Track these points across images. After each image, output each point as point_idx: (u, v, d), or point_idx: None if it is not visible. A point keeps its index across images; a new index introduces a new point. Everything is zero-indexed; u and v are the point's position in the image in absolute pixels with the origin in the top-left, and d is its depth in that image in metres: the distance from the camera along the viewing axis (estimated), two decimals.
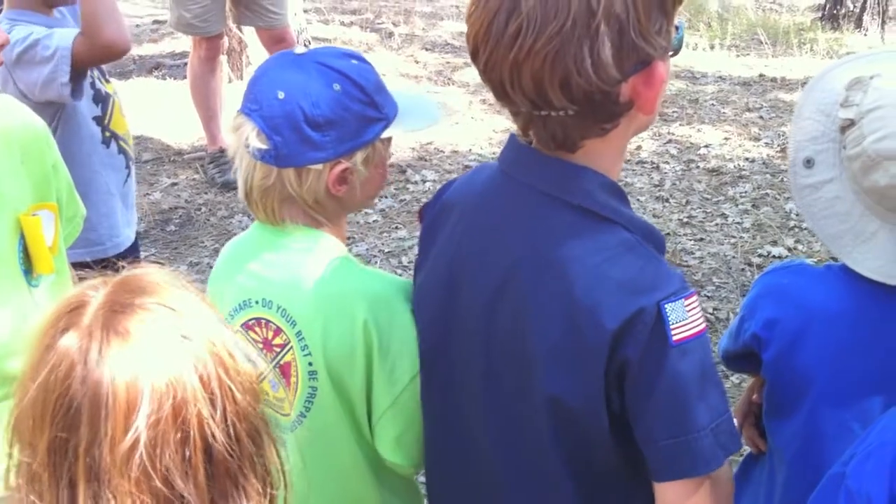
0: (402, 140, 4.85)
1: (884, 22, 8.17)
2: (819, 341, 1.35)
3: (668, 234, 4.00)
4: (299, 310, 1.39)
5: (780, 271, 1.50)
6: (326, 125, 1.35)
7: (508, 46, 1.04)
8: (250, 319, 1.43)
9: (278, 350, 1.41)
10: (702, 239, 3.97)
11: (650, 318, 1.08)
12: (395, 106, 1.46)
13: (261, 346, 1.41)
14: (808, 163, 1.32)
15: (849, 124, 1.26)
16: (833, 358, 1.35)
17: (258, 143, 1.35)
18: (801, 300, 1.39)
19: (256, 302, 1.42)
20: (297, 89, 1.35)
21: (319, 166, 1.37)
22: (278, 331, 1.41)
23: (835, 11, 8.09)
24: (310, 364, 1.39)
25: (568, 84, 1.03)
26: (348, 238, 3.93)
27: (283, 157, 1.36)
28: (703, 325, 1.12)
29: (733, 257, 3.79)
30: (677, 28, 1.11)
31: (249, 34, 5.31)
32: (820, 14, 8.50)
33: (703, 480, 1.13)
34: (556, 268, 1.13)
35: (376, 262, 3.74)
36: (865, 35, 7.91)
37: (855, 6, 8.05)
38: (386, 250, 3.81)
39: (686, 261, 3.77)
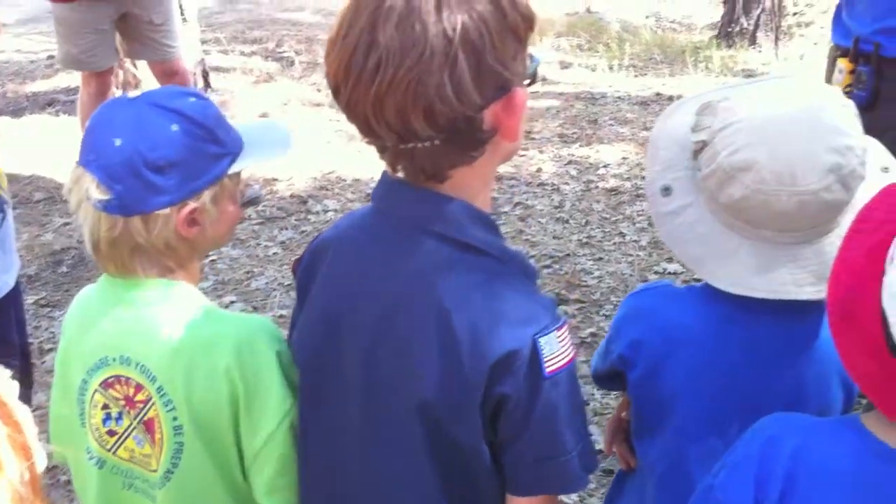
0: (302, 169, 4.82)
1: (777, 38, 8.42)
2: (681, 362, 1.37)
3: (568, 254, 4.04)
4: (158, 364, 1.35)
5: (644, 293, 1.52)
6: (168, 167, 1.31)
7: (369, 81, 1.05)
8: (109, 377, 1.39)
9: (141, 406, 1.37)
10: (600, 258, 4.02)
11: (525, 352, 1.11)
12: (240, 139, 1.44)
13: (123, 403, 1.38)
14: (666, 191, 1.35)
15: (702, 146, 1.29)
16: (695, 378, 1.37)
17: (99, 195, 1.31)
18: (664, 322, 1.41)
19: (114, 359, 1.38)
20: (134, 134, 1.31)
21: (166, 210, 1.33)
22: (139, 387, 1.37)
23: (729, 29, 8.32)
24: (174, 419, 1.35)
25: (431, 112, 1.05)
26: (247, 272, 3.92)
27: (127, 206, 1.32)
28: (573, 354, 1.17)
29: (630, 275, 3.84)
30: (532, 57, 1.15)
31: (144, 67, 5.22)
32: (716, 32, 8.74)
33: (555, 498, 1.22)
34: (431, 304, 1.14)
35: (276, 296, 3.69)
36: (760, 52, 8.14)
37: (749, 24, 8.28)
38: (286, 283, 3.77)
39: (585, 280, 3.81)
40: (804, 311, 1.29)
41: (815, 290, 1.24)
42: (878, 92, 2.32)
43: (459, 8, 1.04)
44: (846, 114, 1.26)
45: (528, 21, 1.11)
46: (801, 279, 1.26)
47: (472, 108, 1.06)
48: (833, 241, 1.21)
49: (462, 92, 1.04)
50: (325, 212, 4.48)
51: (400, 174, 1.17)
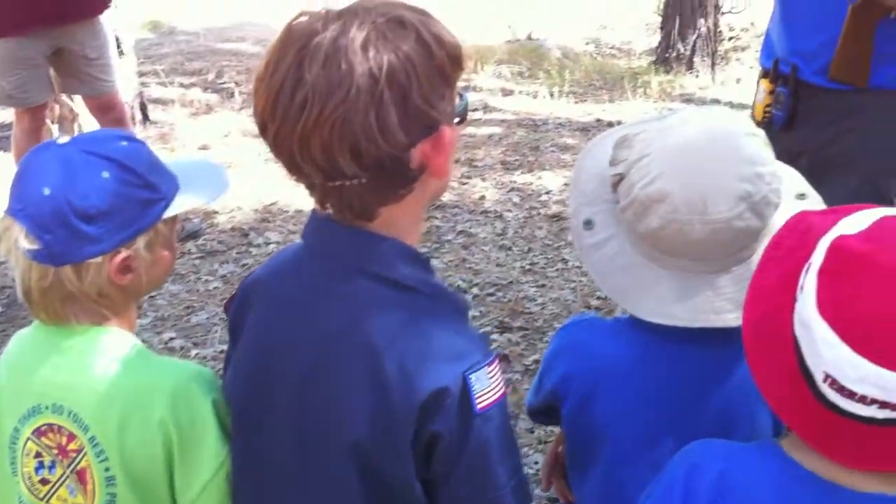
0: (244, 202, 4.78)
1: (714, 63, 8.58)
2: (611, 393, 1.39)
3: (512, 281, 4.05)
4: (91, 413, 1.33)
5: (573, 326, 1.54)
6: (99, 216, 1.29)
7: (296, 118, 1.05)
8: (42, 426, 1.36)
9: (74, 455, 1.35)
10: (543, 285, 4.03)
11: (456, 389, 1.12)
12: (175, 182, 1.42)
13: (56, 451, 1.35)
14: (588, 224, 1.37)
15: (619, 179, 1.32)
16: (624, 411, 1.38)
17: (28, 244, 1.29)
18: (593, 355, 1.43)
19: (46, 407, 1.35)
20: (63, 182, 1.28)
21: (98, 259, 1.31)
22: (72, 436, 1.34)
23: (667, 55, 8.45)
24: (106, 469, 1.33)
25: (358, 151, 1.05)
26: (187, 307, 3.86)
27: (57, 256, 1.30)
28: (503, 389, 1.17)
29: (573, 301, 3.86)
30: (461, 95, 1.17)
31: (81, 101, 5.15)
32: (654, 58, 8.88)
33: None
34: (362, 343, 1.14)
35: (216, 331, 3.64)
36: (697, 77, 8.28)
37: (685, 49, 8.42)
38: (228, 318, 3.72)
39: (528, 307, 3.82)
40: (729, 337, 1.30)
41: (734, 317, 1.26)
42: (795, 113, 2.36)
43: (386, 48, 1.05)
44: (756, 142, 1.29)
45: (456, 61, 1.13)
46: (720, 306, 1.28)
47: (399, 148, 1.07)
48: (750, 268, 1.23)
49: (388, 131, 1.05)
50: (267, 244, 4.44)
51: (329, 211, 1.17)
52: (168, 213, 1.39)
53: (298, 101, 1.05)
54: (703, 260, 1.28)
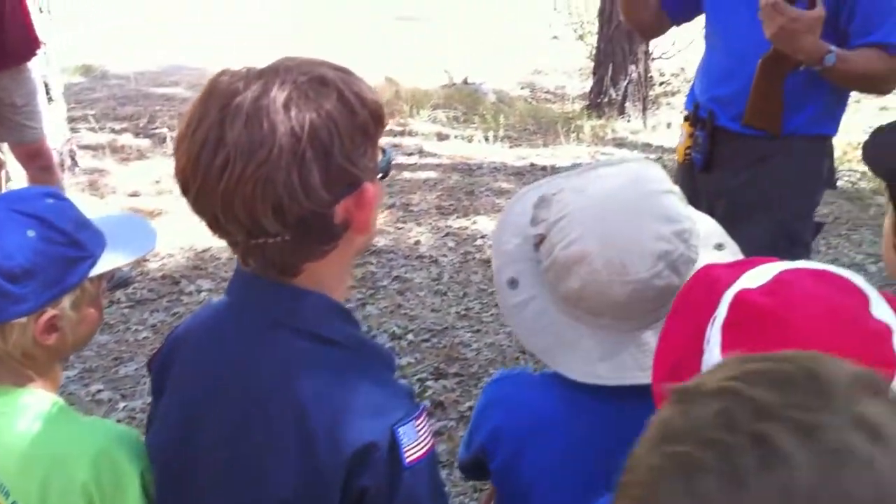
0: (175, 248, 4.72)
1: (645, 108, 8.75)
2: (538, 450, 1.38)
3: (447, 327, 4.05)
4: (12, 477, 1.30)
5: (502, 381, 1.53)
6: (24, 276, 1.27)
7: (217, 178, 1.05)
8: None
9: None
10: (478, 330, 4.04)
11: (384, 444, 1.11)
12: (102, 240, 1.40)
13: None
14: (512, 283, 1.38)
15: (540, 239, 1.32)
16: (552, 466, 1.37)
17: None
18: (521, 410, 1.42)
19: None
20: None
21: (23, 319, 1.29)
22: None
23: (599, 100, 8.60)
24: None
25: (280, 209, 1.05)
26: (116, 358, 3.78)
27: None
28: (432, 442, 1.18)
29: (508, 346, 3.87)
30: (384, 151, 1.18)
31: (8, 149, 5.06)
32: (587, 102, 9.02)
33: None
34: (287, 401, 1.13)
35: (145, 383, 3.56)
36: (629, 121, 8.43)
37: (617, 94, 8.58)
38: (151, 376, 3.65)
39: (464, 353, 3.82)
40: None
41: None
42: (712, 156, 2.44)
43: (308, 106, 1.06)
44: (672, 199, 1.31)
45: (378, 118, 1.14)
46: (644, 363, 1.28)
47: (322, 205, 1.08)
48: None
49: (311, 189, 1.05)
50: (199, 292, 4.38)
51: (252, 268, 1.17)
52: (95, 272, 1.37)
53: (220, 161, 1.05)
54: (625, 318, 1.29)
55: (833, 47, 2.21)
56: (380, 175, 1.17)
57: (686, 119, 2.55)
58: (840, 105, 2.51)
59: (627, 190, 1.31)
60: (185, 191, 1.12)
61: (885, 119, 6.32)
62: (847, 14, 2.28)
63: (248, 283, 1.20)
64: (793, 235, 2.47)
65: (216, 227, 1.12)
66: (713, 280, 1.07)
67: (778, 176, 2.44)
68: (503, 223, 1.44)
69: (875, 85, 2.43)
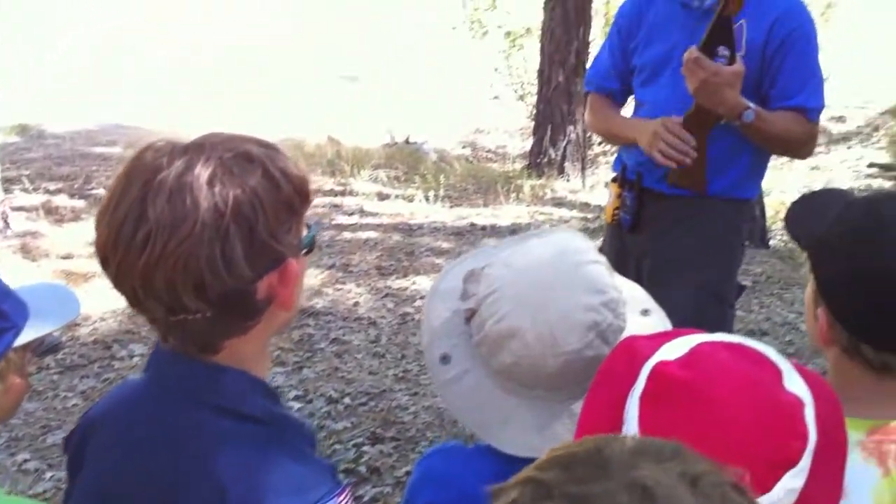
0: (107, 311, 4.63)
1: (584, 168, 8.89)
2: None
3: (384, 390, 4.01)
4: None
5: (434, 456, 1.51)
6: None
7: (138, 253, 1.03)
8: None
9: None
10: (416, 393, 4.00)
11: None
12: (25, 310, 1.37)
13: None
14: (445, 359, 1.37)
15: (471, 314, 1.32)
16: None
17: None
18: (451, 486, 1.40)
19: None
20: None
21: None
22: None
23: (539, 160, 8.71)
24: None
25: (202, 286, 1.04)
26: (44, 426, 3.68)
27: None
28: None
29: (446, 409, 3.83)
30: (309, 227, 1.17)
31: None
32: (527, 162, 9.14)
33: None
34: (208, 481, 1.10)
35: None
36: (568, 181, 8.55)
37: (556, 154, 8.70)
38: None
39: (401, 417, 3.78)
40: None
41: None
42: (640, 217, 2.49)
43: (232, 182, 1.05)
44: (599, 269, 1.32)
45: (303, 194, 1.13)
46: None
47: (244, 282, 1.07)
48: None
49: (233, 266, 1.04)
50: (132, 357, 4.29)
51: (172, 344, 1.15)
52: (19, 342, 1.34)
53: (141, 237, 1.03)
54: (557, 389, 1.29)
55: (752, 104, 2.29)
56: (305, 250, 1.17)
57: (614, 180, 2.60)
58: (762, 169, 2.59)
59: (555, 262, 1.32)
60: (105, 266, 1.10)
61: (816, 178, 6.54)
62: (770, 80, 2.37)
63: (167, 360, 1.17)
64: (718, 295, 2.52)
65: (135, 302, 1.10)
66: (634, 351, 1.08)
67: (702, 237, 2.50)
68: (433, 298, 1.43)
69: (792, 147, 2.52)
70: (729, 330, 2.57)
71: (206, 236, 1.02)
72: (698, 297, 2.45)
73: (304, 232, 1.16)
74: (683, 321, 2.44)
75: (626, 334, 1.28)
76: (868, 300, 1.19)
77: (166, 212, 1.03)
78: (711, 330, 2.57)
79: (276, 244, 1.08)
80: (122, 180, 1.08)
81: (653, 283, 2.51)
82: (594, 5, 8.99)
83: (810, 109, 2.38)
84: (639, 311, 1.42)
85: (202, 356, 1.14)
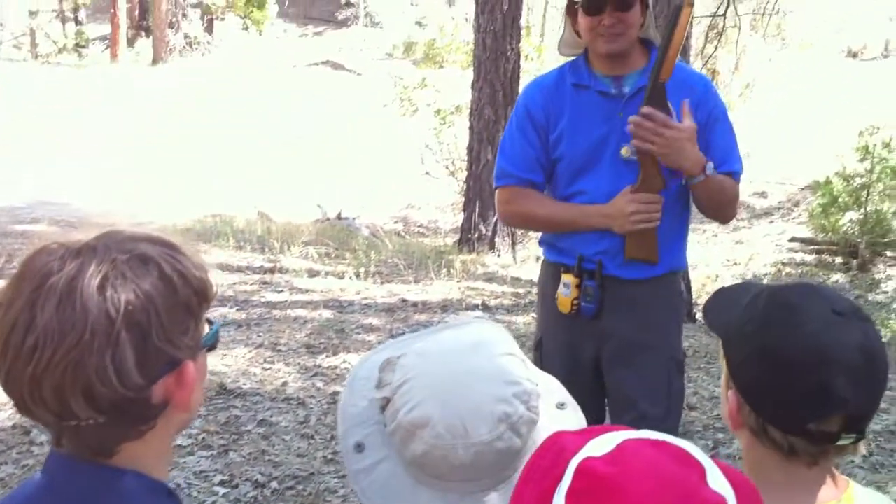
0: None
1: (514, 243, 8.98)
2: None
3: (313, 473, 3.92)
4: None
5: None
6: None
7: (27, 361, 1.01)
8: None
9: None
10: (345, 475, 3.91)
11: None
12: None
13: None
14: (359, 447, 1.35)
15: (386, 403, 1.31)
16: None
17: None
18: None
19: None
20: None
21: None
22: None
23: (469, 236, 8.78)
24: None
25: (91, 395, 1.01)
26: None
27: None
28: None
29: None
30: (212, 323, 1.16)
31: None
32: (458, 237, 9.20)
33: None
34: None
35: None
36: (499, 256, 8.62)
37: (487, 230, 8.78)
38: None
39: (330, 501, 3.69)
40: None
41: None
42: (603, 304, 2.51)
43: (125, 287, 1.03)
44: (512, 361, 1.32)
45: (202, 295, 1.12)
46: None
47: (136, 390, 1.04)
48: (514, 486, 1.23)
49: (124, 374, 1.02)
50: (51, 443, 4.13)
51: (67, 448, 1.11)
52: None
53: (29, 344, 1.01)
54: (469, 481, 1.28)
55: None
56: (206, 348, 1.15)
57: (567, 271, 2.59)
58: (686, 240, 2.72)
59: (468, 353, 1.32)
60: None
61: (740, 252, 6.67)
62: (702, 149, 2.45)
63: (62, 464, 1.13)
64: (680, 365, 2.64)
65: (25, 409, 1.06)
66: (561, 447, 1.08)
67: (661, 312, 2.60)
68: (349, 386, 1.42)
69: (727, 204, 2.60)
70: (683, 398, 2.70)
71: (96, 344, 1.00)
72: (664, 371, 2.57)
73: (206, 329, 1.15)
74: (656, 392, 2.54)
75: (540, 427, 1.29)
76: (772, 382, 1.23)
77: (55, 319, 1.00)
78: (676, 399, 2.64)
79: (172, 348, 1.06)
80: (13, 285, 1.05)
81: (619, 363, 2.61)
82: (522, 83, 9.19)
83: (736, 173, 2.54)
84: (554, 404, 1.42)
85: (98, 460, 1.10)
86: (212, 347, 1.15)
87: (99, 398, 1.01)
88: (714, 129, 2.49)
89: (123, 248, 1.06)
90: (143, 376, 1.03)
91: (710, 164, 2.40)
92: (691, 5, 2.33)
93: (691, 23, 2.38)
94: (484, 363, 1.30)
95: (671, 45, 2.32)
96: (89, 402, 1.01)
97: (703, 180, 2.41)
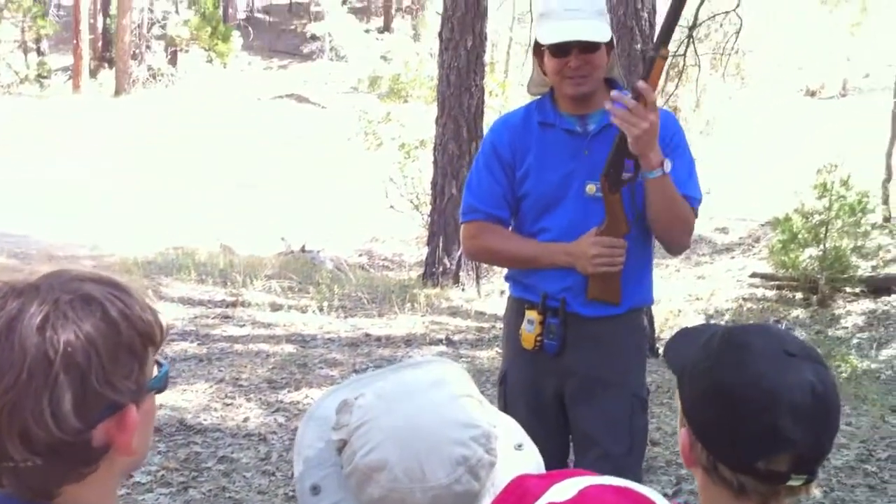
0: None
1: (478, 277, 8.98)
2: None
3: None
4: None
5: None
6: None
7: None
8: None
9: None
10: None
11: None
12: None
13: None
14: (315, 489, 1.33)
15: (342, 445, 1.29)
16: None
17: None
18: None
19: None
20: None
21: None
22: None
23: (434, 270, 8.77)
24: None
25: (28, 437, 1.00)
26: None
27: None
28: None
29: None
30: (161, 364, 1.14)
31: None
32: (423, 270, 9.18)
33: None
34: None
35: None
36: (463, 290, 8.61)
37: (451, 264, 8.78)
38: None
39: None
40: None
41: None
42: (565, 341, 2.52)
43: (66, 328, 1.01)
44: (470, 404, 1.31)
45: (148, 336, 1.10)
46: None
47: (73, 433, 1.02)
48: None
49: (61, 418, 1.00)
50: None
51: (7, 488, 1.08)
52: None
53: None
54: None
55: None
56: (154, 391, 1.13)
57: (531, 307, 2.59)
58: (651, 276, 2.71)
59: (427, 395, 1.31)
60: None
61: (702, 287, 6.70)
62: None
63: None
64: (643, 402, 2.63)
65: None
66: (524, 491, 1.07)
67: (624, 349, 2.60)
68: (306, 426, 1.40)
69: (680, 224, 2.53)
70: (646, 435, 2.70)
71: (33, 386, 0.99)
72: (627, 407, 2.57)
73: (155, 371, 1.13)
74: (619, 429, 2.54)
75: (498, 469, 1.28)
76: (721, 420, 1.24)
77: None
78: (639, 436, 2.63)
79: (112, 392, 1.04)
80: None
81: (582, 400, 2.62)
82: (486, 120, 9.25)
83: (693, 199, 2.51)
84: (513, 445, 1.41)
85: (39, 501, 1.08)
86: (160, 390, 1.13)
87: (35, 441, 1.00)
88: (674, 154, 2.48)
89: (68, 287, 1.05)
90: (81, 420, 1.01)
91: (669, 162, 2.38)
92: (665, 57, 2.35)
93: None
94: (442, 405, 1.29)
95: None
96: (25, 445, 1.00)
97: (661, 177, 2.37)
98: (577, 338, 2.55)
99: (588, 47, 2.42)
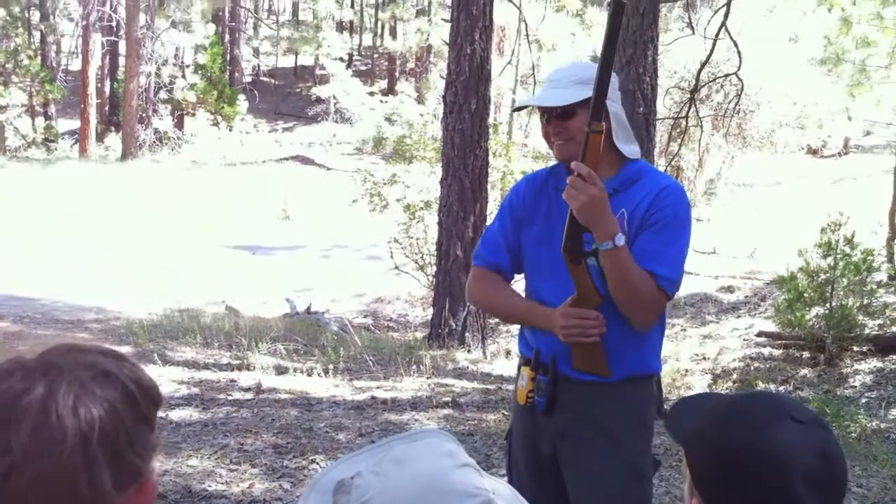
0: None
1: (484, 337, 8.95)
2: None
3: None
4: None
5: None
6: None
7: (1, 486, 1.00)
8: None
9: None
10: None
11: None
12: None
13: None
14: None
15: None
16: None
17: None
18: None
19: None
20: None
21: None
22: None
23: (439, 331, 8.74)
24: None
25: None
26: None
27: None
28: None
29: None
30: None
31: None
32: (428, 331, 9.16)
33: None
34: None
35: None
36: (469, 351, 8.58)
37: (457, 325, 8.76)
38: None
39: None
40: None
41: None
42: (555, 399, 2.52)
43: (96, 404, 1.03)
44: (468, 473, 1.30)
45: (156, 403, 1.13)
46: None
47: (108, 500, 1.04)
48: None
49: (98, 488, 1.03)
50: None
51: None
52: None
53: (4, 468, 0.99)
54: None
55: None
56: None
57: (527, 363, 2.60)
58: (658, 343, 2.63)
59: (425, 469, 1.29)
60: None
61: (709, 347, 6.66)
62: (629, 244, 2.42)
63: None
64: (639, 471, 2.56)
65: None
66: None
67: (621, 418, 2.54)
68: (307, 498, 1.38)
69: (638, 301, 2.45)
70: None
71: (73, 466, 1.00)
72: (620, 475, 2.51)
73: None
74: (613, 500, 2.49)
75: None
76: (732, 487, 1.24)
77: (30, 441, 1.00)
78: None
79: (140, 461, 1.07)
80: None
81: (573, 466, 2.57)
82: (490, 180, 9.30)
83: (659, 276, 2.41)
84: None
85: None
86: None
87: None
88: (644, 233, 2.44)
89: (83, 363, 1.07)
90: (116, 489, 1.03)
91: (622, 236, 2.34)
92: (598, 132, 2.34)
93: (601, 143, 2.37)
94: (442, 478, 1.28)
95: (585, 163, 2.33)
96: None
97: (611, 250, 2.33)
98: (568, 398, 2.53)
99: (562, 114, 2.46)
